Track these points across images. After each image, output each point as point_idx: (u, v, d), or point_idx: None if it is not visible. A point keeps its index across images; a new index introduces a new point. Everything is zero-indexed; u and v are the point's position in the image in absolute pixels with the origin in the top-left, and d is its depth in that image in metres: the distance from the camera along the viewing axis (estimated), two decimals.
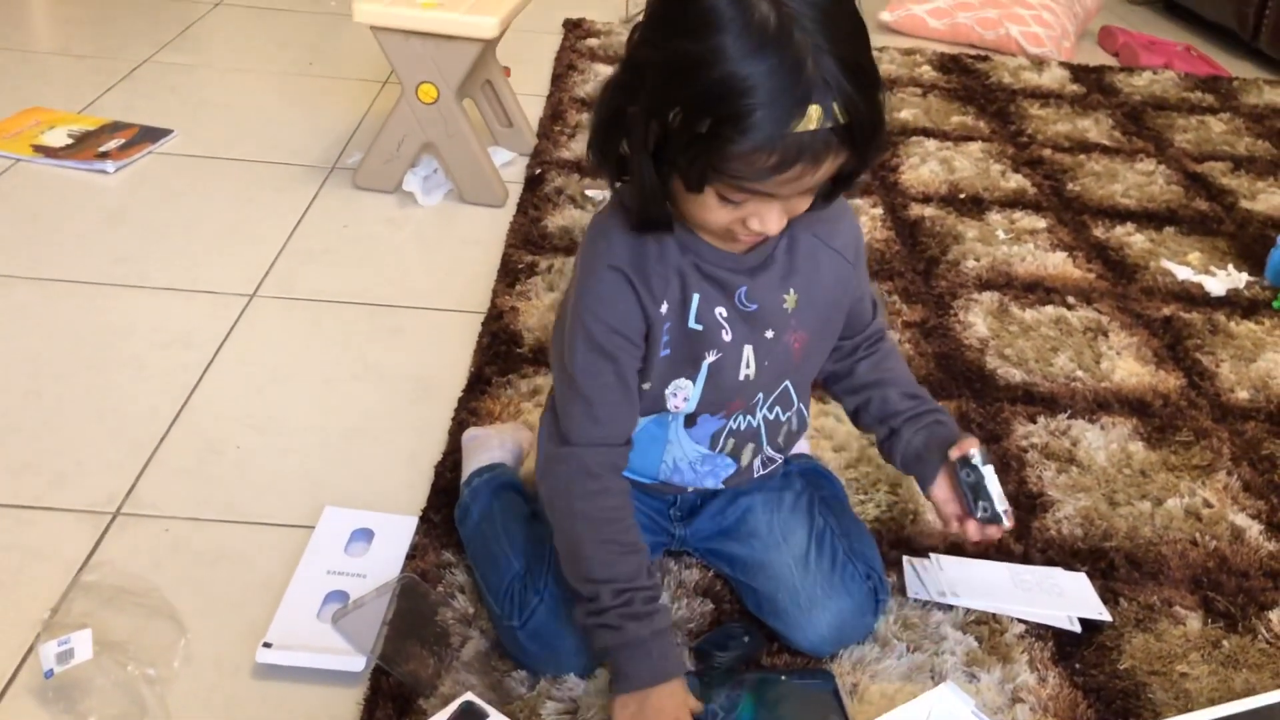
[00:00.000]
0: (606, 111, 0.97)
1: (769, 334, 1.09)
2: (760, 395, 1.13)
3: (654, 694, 1.02)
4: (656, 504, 1.21)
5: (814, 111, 0.86)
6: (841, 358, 1.21)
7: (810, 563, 1.16)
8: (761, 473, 1.20)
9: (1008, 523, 1.10)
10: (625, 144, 0.96)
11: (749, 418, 1.15)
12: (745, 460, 1.17)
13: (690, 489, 1.20)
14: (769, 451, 1.19)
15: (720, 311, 1.06)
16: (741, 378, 1.09)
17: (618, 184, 1.01)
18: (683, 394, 1.09)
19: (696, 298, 1.05)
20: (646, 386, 1.08)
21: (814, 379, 1.21)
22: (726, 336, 1.07)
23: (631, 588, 1.04)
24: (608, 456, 1.08)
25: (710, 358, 1.07)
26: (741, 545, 1.21)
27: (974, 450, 1.09)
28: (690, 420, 1.12)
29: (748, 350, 1.09)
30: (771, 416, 1.16)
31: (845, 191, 1.03)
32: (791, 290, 1.09)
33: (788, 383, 1.15)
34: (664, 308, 1.05)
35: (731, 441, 1.15)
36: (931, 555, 1.32)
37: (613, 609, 1.03)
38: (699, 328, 1.06)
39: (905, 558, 1.31)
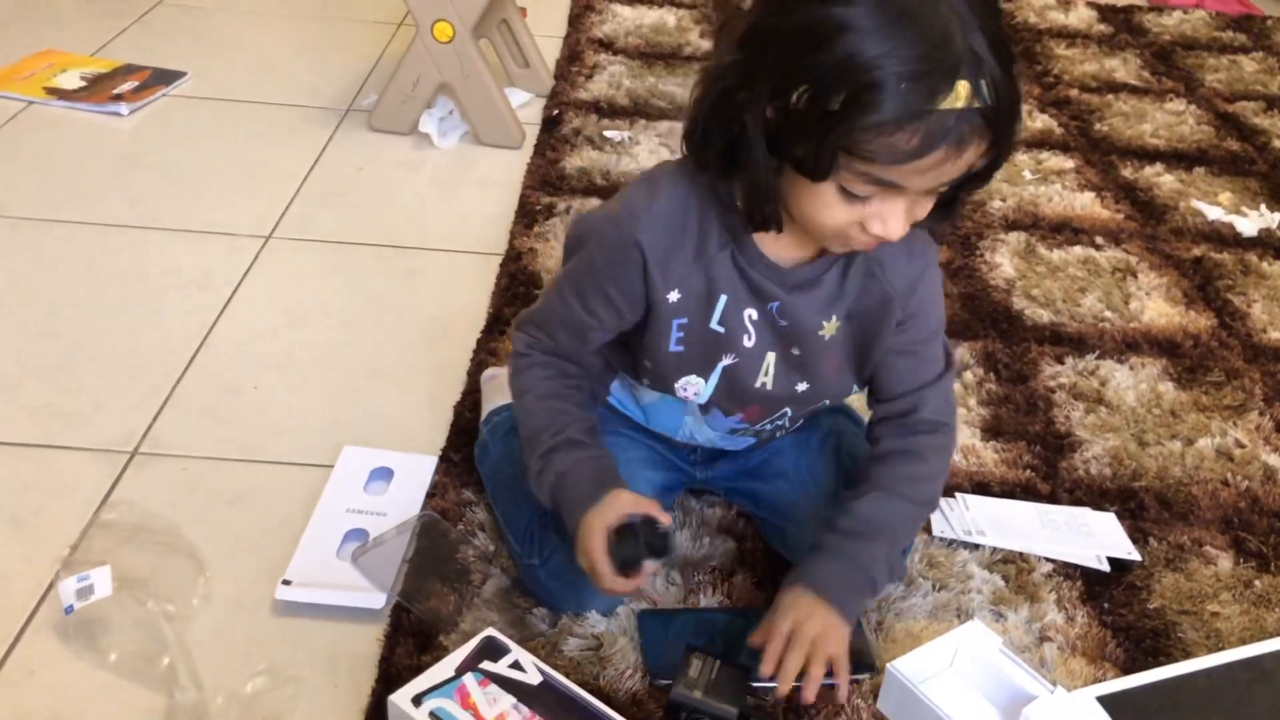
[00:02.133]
0: (713, 96, 0.87)
1: (795, 351, 1.03)
2: (788, 410, 1.10)
3: (582, 525, 1.01)
4: (678, 449, 1.20)
5: (962, 88, 0.78)
6: (872, 423, 1.12)
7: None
8: (781, 434, 1.18)
9: None
10: (733, 132, 0.87)
11: (779, 422, 1.12)
12: (765, 438, 1.17)
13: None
14: (792, 428, 1.17)
15: (750, 314, 1.01)
16: (758, 385, 1.04)
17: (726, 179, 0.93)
18: (693, 389, 1.06)
19: (724, 299, 0.99)
20: (649, 364, 1.05)
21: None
22: (749, 342, 1.02)
23: (558, 435, 1.04)
24: (555, 362, 1.08)
25: (726, 360, 1.03)
26: (767, 485, 1.19)
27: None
28: (704, 409, 1.09)
29: (770, 358, 1.03)
30: (801, 422, 1.15)
31: (965, 200, 0.94)
32: (834, 318, 1.02)
33: (826, 402, 1.11)
34: (674, 295, 0.99)
35: (752, 435, 1.14)
36: (958, 494, 1.30)
37: (541, 461, 1.03)
38: (720, 330, 1.01)
39: None
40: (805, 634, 0.98)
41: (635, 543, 0.99)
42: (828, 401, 1.12)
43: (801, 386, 1.05)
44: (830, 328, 1.02)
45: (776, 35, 0.82)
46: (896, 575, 1.11)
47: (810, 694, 0.97)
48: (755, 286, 0.99)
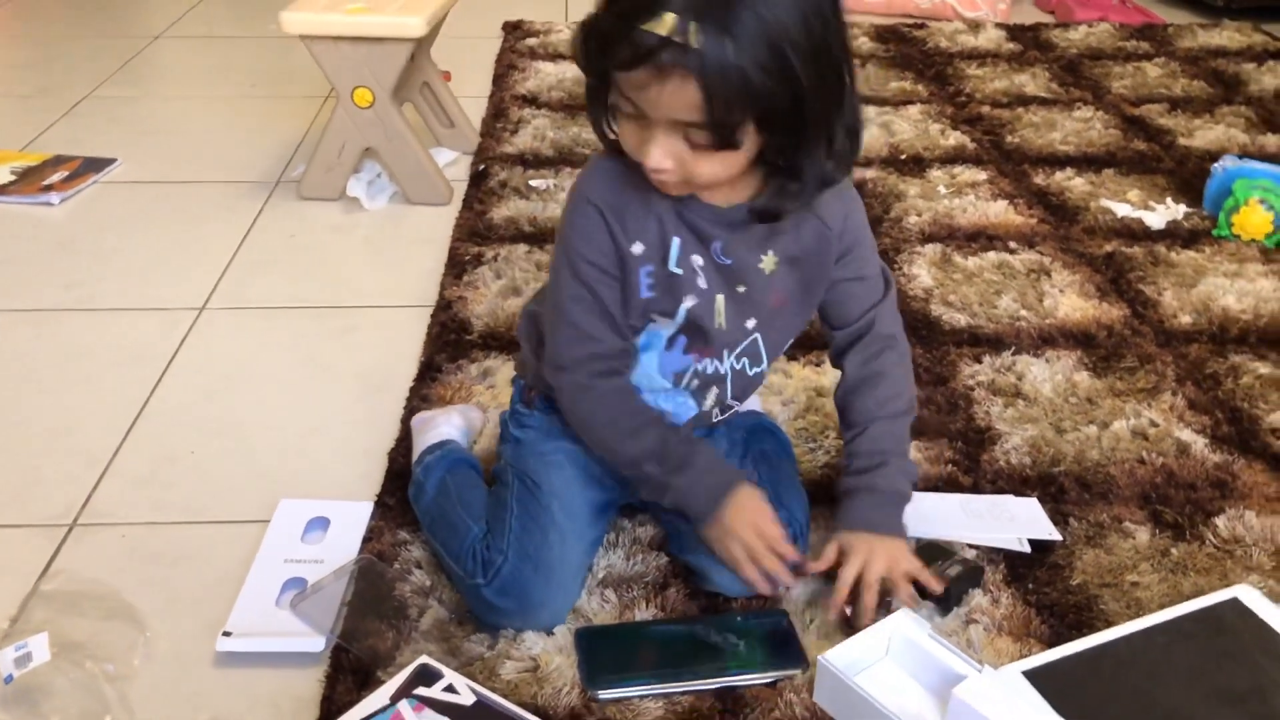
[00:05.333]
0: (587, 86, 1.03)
1: (741, 289, 1.12)
2: (728, 344, 1.15)
3: (728, 509, 1.11)
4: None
5: (668, 18, 0.88)
6: (837, 350, 1.22)
7: None
8: (718, 418, 1.22)
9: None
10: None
11: (716, 364, 1.17)
12: (707, 404, 1.19)
13: None
14: (728, 400, 1.21)
15: (697, 260, 1.10)
16: (715, 325, 1.13)
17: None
18: (664, 321, 1.13)
19: (676, 242, 1.09)
20: (627, 315, 1.12)
21: (785, 346, 1.22)
22: (702, 284, 1.11)
23: (663, 450, 1.12)
24: (599, 365, 1.13)
25: (688, 302, 1.11)
26: None
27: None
28: (668, 343, 1.14)
29: (719, 300, 1.12)
30: (739, 367, 1.18)
31: (795, 194, 1.03)
32: (770, 253, 1.12)
33: (757, 336, 1.16)
34: (638, 248, 1.09)
35: (696, 382, 1.17)
36: None
37: (658, 475, 1.12)
38: (679, 272, 1.10)
39: None
40: (875, 570, 1.12)
41: None
42: (761, 343, 1.17)
43: (750, 323, 1.14)
44: (769, 262, 1.12)
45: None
46: (911, 476, 1.20)
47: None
48: (697, 230, 1.09)
